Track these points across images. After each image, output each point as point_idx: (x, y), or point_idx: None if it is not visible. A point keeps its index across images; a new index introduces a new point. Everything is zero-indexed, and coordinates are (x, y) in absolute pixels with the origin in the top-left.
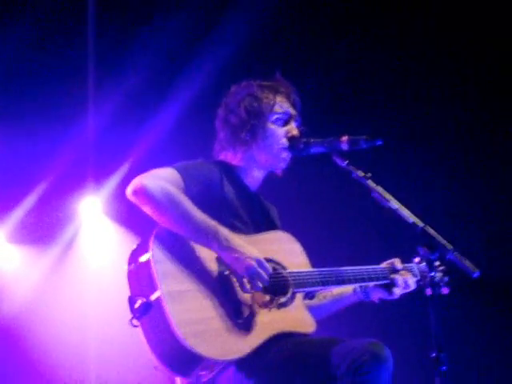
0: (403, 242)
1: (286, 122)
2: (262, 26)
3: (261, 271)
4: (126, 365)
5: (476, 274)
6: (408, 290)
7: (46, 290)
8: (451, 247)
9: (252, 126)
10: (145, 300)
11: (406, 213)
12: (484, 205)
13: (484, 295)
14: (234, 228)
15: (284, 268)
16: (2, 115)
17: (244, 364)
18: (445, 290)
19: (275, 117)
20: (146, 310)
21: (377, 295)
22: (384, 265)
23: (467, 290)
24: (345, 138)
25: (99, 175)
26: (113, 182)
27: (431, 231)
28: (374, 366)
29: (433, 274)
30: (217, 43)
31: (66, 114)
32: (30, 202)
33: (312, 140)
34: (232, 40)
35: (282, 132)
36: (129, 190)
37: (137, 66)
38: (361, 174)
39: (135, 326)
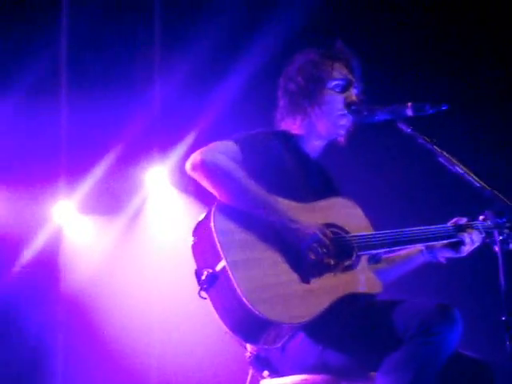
0: (469, 207)
1: (344, 88)
2: None
3: (322, 237)
4: (189, 338)
5: None
6: (474, 247)
7: (114, 260)
8: None
9: (310, 92)
10: (211, 271)
11: (472, 177)
12: None
13: None
14: (293, 197)
15: (346, 232)
16: (73, 86)
17: (312, 330)
18: None
19: (334, 83)
20: (213, 281)
21: (444, 255)
22: (449, 224)
23: None
24: (409, 104)
25: (165, 145)
26: (179, 152)
27: (499, 195)
28: (444, 327)
29: (499, 230)
30: (282, 12)
31: (132, 85)
32: (98, 172)
33: (376, 107)
34: (297, 10)
35: (341, 98)
36: (187, 166)
37: (202, 37)
38: (427, 139)
39: (204, 298)
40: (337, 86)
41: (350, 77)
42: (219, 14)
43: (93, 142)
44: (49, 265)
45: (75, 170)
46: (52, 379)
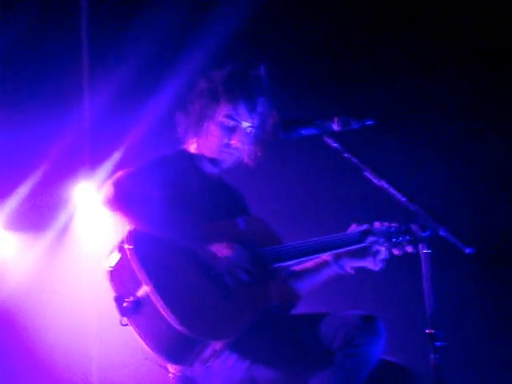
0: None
1: (230, 130)
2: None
3: (237, 258)
4: (127, 350)
5: (469, 250)
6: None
7: (42, 275)
8: (444, 224)
9: (200, 120)
10: (132, 298)
11: (398, 191)
12: (475, 182)
13: (479, 270)
14: (203, 217)
15: (258, 247)
16: None
17: (238, 346)
18: (409, 249)
19: (223, 121)
20: (136, 307)
21: (351, 264)
22: (350, 231)
23: (462, 265)
24: (335, 118)
25: (93, 161)
26: (107, 168)
27: (423, 209)
28: (367, 338)
29: (393, 235)
30: (210, 32)
31: (60, 102)
32: (24, 188)
33: (302, 121)
34: (223, 30)
35: (226, 135)
36: (100, 200)
37: (130, 55)
38: (352, 153)
39: (125, 325)
40: (224, 125)
41: (244, 120)
42: (148, 29)
43: (19, 158)
44: None
45: (1, 187)
46: None
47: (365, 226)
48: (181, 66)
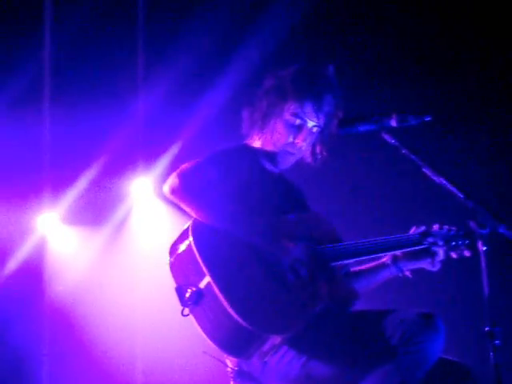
0: (452, 218)
1: (296, 128)
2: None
3: (301, 254)
4: (175, 348)
5: None
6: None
7: (98, 271)
8: (502, 221)
9: (266, 117)
10: (194, 289)
11: (456, 188)
12: None
13: None
14: (265, 212)
15: (318, 244)
16: (56, 97)
17: (295, 342)
18: (467, 253)
19: (289, 119)
20: (198, 298)
21: (409, 267)
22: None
23: None
24: (394, 115)
25: (150, 156)
26: (164, 163)
27: (482, 206)
28: (426, 336)
29: (452, 239)
30: (268, 26)
31: (117, 97)
32: (82, 183)
33: (360, 118)
34: (284, 20)
35: (292, 132)
36: (165, 189)
37: (187, 48)
38: (411, 150)
39: (185, 316)
40: (289, 123)
41: (309, 119)
42: (203, 24)
43: (77, 153)
44: (33, 275)
45: (60, 182)
46: None
47: (424, 228)
48: (237, 60)
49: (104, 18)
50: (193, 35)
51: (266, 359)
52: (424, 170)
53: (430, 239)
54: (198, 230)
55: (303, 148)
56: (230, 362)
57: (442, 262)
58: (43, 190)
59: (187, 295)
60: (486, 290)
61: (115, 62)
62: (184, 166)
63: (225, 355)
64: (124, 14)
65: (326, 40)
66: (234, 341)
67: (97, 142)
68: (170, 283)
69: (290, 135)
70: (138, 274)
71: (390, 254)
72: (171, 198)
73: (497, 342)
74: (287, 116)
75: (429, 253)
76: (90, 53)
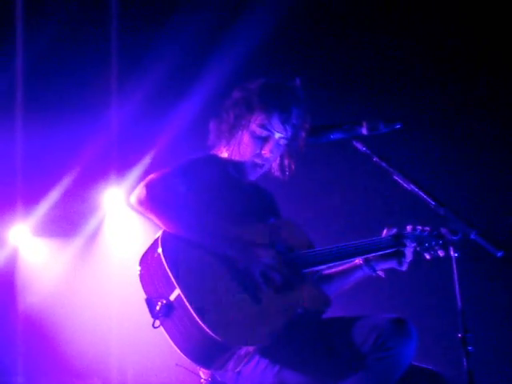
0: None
1: (262, 140)
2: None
3: (271, 262)
4: (148, 358)
5: (500, 254)
6: (411, 255)
7: (70, 281)
8: (474, 228)
9: (233, 128)
10: (165, 301)
11: (427, 195)
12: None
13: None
14: (235, 221)
15: (290, 251)
16: (29, 108)
17: (268, 351)
18: (441, 253)
19: (255, 130)
20: (169, 311)
21: (382, 267)
22: (383, 235)
23: (493, 269)
24: (364, 123)
25: (122, 167)
26: (136, 174)
27: (453, 213)
28: (398, 341)
29: (425, 240)
30: (241, 35)
31: (90, 107)
32: (54, 195)
33: (331, 126)
34: (255, 34)
35: (258, 144)
36: (132, 200)
37: (160, 59)
38: (381, 157)
39: (156, 327)
40: (256, 135)
41: (276, 131)
42: (176, 36)
43: (49, 165)
44: (6, 286)
45: (32, 194)
46: None
47: (396, 230)
48: (209, 72)
49: (77, 29)
50: (165, 47)
51: (239, 369)
52: (395, 177)
53: (403, 242)
54: (167, 240)
55: (270, 159)
56: (204, 374)
57: (409, 262)
58: (15, 203)
59: (157, 308)
60: (458, 296)
61: (88, 73)
62: (151, 177)
63: (197, 367)
64: (97, 25)
65: (298, 51)
66: (205, 352)
67: (69, 153)
68: (142, 293)
69: (257, 146)
70: (111, 284)
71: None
72: (138, 209)
73: (469, 348)
74: (254, 127)
75: (400, 255)
76: (63, 64)
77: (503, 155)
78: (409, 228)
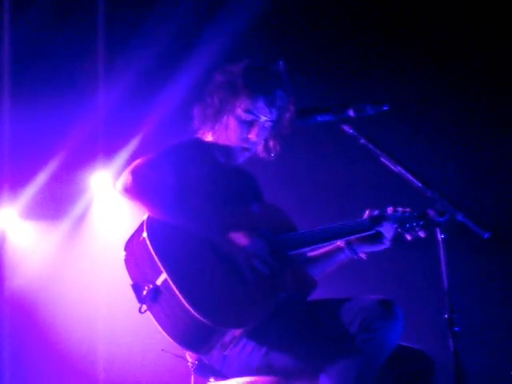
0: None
1: (248, 124)
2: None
3: (256, 246)
4: (136, 343)
5: (487, 235)
6: (390, 237)
7: (58, 264)
8: (461, 209)
9: (219, 113)
10: (151, 286)
11: (414, 177)
12: (493, 165)
13: (496, 254)
14: (219, 205)
15: (274, 234)
16: (16, 91)
17: (254, 333)
18: (421, 234)
19: (241, 115)
20: (156, 296)
21: (363, 250)
22: (364, 217)
23: (479, 250)
24: (351, 105)
25: (110, 150)
26: (123, 157)
27: (440, 194)
28: (385, 323)
29: (405, 221)
30: (229, 19)
31: (76, 91)
32: (41, 177)
33: (318, 108)
34: (242, 17)
35: (244, 128)
36: (118, 187)
37: (146, 43)
38: (368, 139)
39: (143, 312)
40: (242, 119)
41: (263, 114)
42: (164, 20)
43: (36, 147)
44: None
45: (19, 176)
46: None
47: (377, 212)
48: (196, 56)
49: (64, 13)
50: (153, 30)
51: (226, 352)
52: (382, 159)
53: (384, 224)
54: (152, 225)
55: (257, 143)
56: (190, 357)
57: (390, 240)
58: (2, 186)
59: (144, 292)
60: (444, 277)
61: (75, 57)
62: (135, 163)
63: (184, 350)
64: (84, 8)
65: (284, 33)
66: (193, 336)
67: (56, 136)
68: (129, 277)
69: (244, 131)
70: (98, 268)
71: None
72: (124, 195)
73: (456, 328)
74: (239, 112)
75: (381, 237)
76: (50, 47)
77: (492, 137)
78: (389, 210)
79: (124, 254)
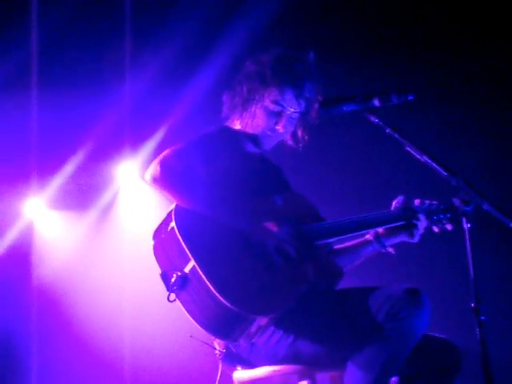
0: (437, 196)
1: (276, 114)
2: None
3: (285, 235)
4: (162, 332)
5: None
6: (421, 229)
7: (85, 254)
8: (486, 198)
9: (247, 102)
10: (180, 273)
11: (440, 166)
12: None
13: None
14: (248, 194)
15: (301, 224)
16: (43, 83)
17: (282, 322)
18: (448, 227)
19: (270, 105)
20: (184, 283)
21: (391, 242)
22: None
23: (505, 239)
24: (377, 95)
25: (136, 140)
26: (150, 147)
27: (466, 183)
28: (412, 311)
29: (434, 214)
30: (254, 9)
31: (104, 81)
32: (68, 168)
33: (343, 98)
34: (268, 6)
35: (272, 118)
36: (147, 177)
37: (173, 33)
38: (394, 129)
39: (172, 301)
40: (269, 110)
41: (290, 106)
42: (190, 10)
43: (64, 138)
44: (21, 260)
45: (46, 167)
46: (26, 373)
47: (405, 204)
48: (222, 46)
49: (91, 4)
50: (179, 21)
51: (253, 340)
52: (407, 148)
53: (412, 215)
54: (180, 213)
55: (284, 134)
56: (218, 345)
57: (421, 234)
58: (30, 176)
59: (173, 280)
60: (470, 266)
61: (102, 48)
62: (164, 154)
63: (212, 338)
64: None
65: (309, 23)
66: (221, 323)
67: (83, 126)
68: (156, 266)
69: (271, 121)
70: (125, 258)
71: (372, 230)
72: (153, 186)
73: (482, 317)
74: (267, 103)
75: (409, 228)
76: (78, 38)
77: None
78: (416, 202)
79: (152, 242)
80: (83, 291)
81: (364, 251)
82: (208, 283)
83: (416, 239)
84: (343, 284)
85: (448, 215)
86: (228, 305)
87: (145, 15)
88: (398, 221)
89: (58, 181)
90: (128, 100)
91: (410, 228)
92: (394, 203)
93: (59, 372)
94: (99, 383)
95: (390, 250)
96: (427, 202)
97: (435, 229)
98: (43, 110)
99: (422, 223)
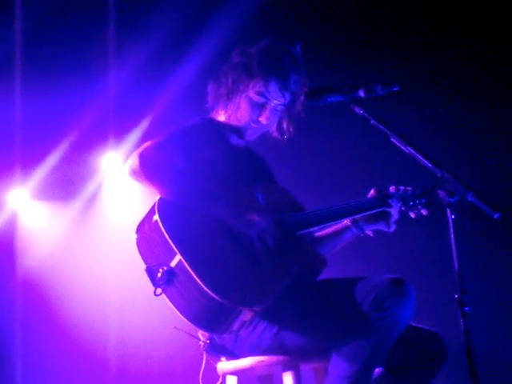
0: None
1: (260, 106)
2: None
3: (268, 224)
4: (147, 324)
5: (497, 215)
6: (395, 215)
7: (69, 244)
8: (471, 189)
9: (232, 93)
10: (166, 268)
11: (424, 157)
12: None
13: (507, 234)
14: (228, 187)
15: (282, 213)
16: (27, 72)
17: (266, 313)
18: (424, 211)
19: (254, 96)
20: (170, 277)
21: (370, 228)
22: (369, 196)
23: (490, 230)
24: (362, 85)
25: (120, 131)
26: (134, 138)
27: (450, 175)
28: (397, 301)
29: (408, 200)
30: (237, 2)
31: (87, 71)
32: (52, 158)
33: (328, 89)
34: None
35: (256, 110)
36: (127, 169)
37: (157, 23)
38: (379, 120)
39: (158, 295)
40: (253, 101)
41: (275, 98)
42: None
43: (47, 128)
44: (5, 251)
45: (30, 157)
46: (10, 364)
47: (381, 192)
48: (207, 36)
49: None
50: (164, 10)
51: (239, 332)
52: (392, 139)
53: (389, 202)
54: (164, 206)
55: (268, 125)
56: (202, 336)
57: (396, 222)
58: (14, 166)
59: (159, 275)
60: (455, 257)
61: (86, 38)
62: (145, 145)
63: (197, 329)
64: None
65: (295, 14)
66: (209, 316)
67: (67, 117)
68: (140, 258)
69: (255, 113)
70: (110, 248)
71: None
72: (132, 177)
73: (466, 308)
74: (252, 94)
75: (385, 215)
76: (61, 28)
77: (503, 116)
78: (392, 188)
79: (136, 236)
80: (68, 282)
81: (344, 237)
82: (196, 277)
83: (392, 229)
84: (328, 275)
85: (423, 200)
86: (216, 297)
87: (129, 4)
88: (372, 209)
89: (42, 171)
90: (112, 90)
91: (385, 215)
92: (371, 192)
93: (44, 363)
94: (84, 374)
95: (369, 232)
96: (402, 187)
97: (412, 214)
98: (27, 99)
99: (395, 209)
